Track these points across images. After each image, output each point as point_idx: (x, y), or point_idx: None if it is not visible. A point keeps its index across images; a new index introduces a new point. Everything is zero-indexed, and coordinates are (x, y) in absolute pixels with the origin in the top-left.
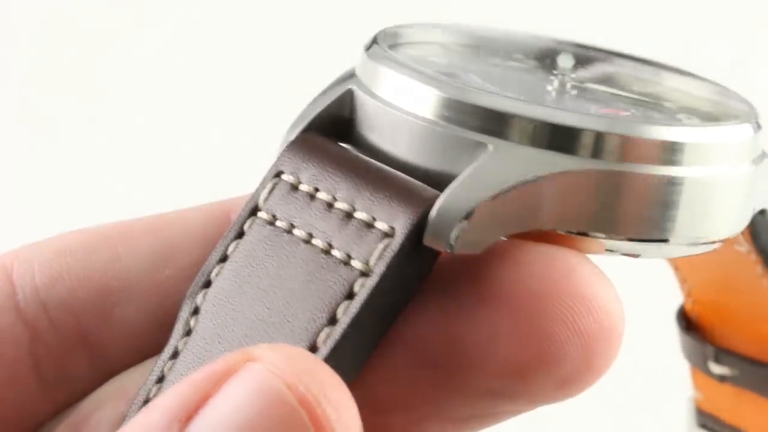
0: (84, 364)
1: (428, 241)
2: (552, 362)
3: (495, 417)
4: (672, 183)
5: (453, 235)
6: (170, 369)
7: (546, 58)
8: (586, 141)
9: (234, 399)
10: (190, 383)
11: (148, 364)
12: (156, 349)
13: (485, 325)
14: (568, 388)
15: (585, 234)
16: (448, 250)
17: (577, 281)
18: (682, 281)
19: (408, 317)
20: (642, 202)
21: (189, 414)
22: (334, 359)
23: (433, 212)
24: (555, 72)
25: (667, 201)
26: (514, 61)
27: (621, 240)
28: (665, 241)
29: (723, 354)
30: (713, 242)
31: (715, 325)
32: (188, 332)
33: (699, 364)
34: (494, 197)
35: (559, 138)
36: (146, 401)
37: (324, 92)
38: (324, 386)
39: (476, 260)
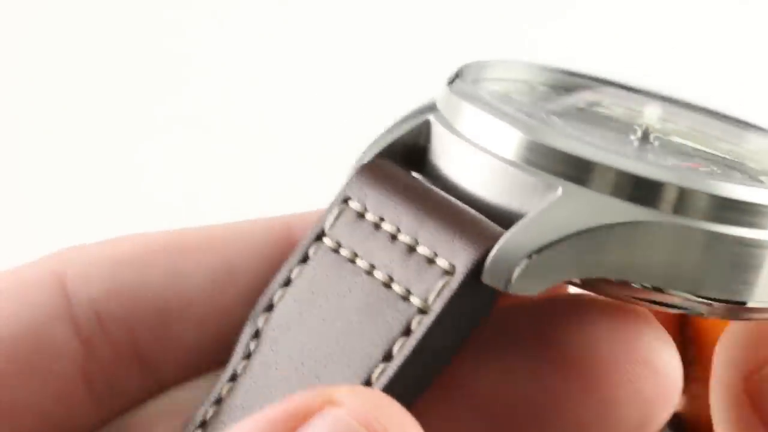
0: (136, 379)
1: (486, 278)
2: (612, 422)
3: None
4: (753, 246)
5: (512, 275)
6: (228, 391)
7: (633, 108)
8: (662, 194)
9: None
10: (267, 422)
11: (201, 381)
12: (209, 367)
13: (553, 388)
14: None
15: (660, 290)
16: (505, 290)
17: (644, 347)
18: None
19: (473, 369)
20: (719, 263)
21: None
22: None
23: (494, 250)
24: (640, 123)
25: (747, 264)
26: (599, 107)
27: (694, 299)
28: (742, 303)
29: None
30: None
31: None
32: (248, 355)
33: None
34: (558, 241)
35: (634, 188)
36: (203, 423)
37: (401, 121)
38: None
39: (542, 313)
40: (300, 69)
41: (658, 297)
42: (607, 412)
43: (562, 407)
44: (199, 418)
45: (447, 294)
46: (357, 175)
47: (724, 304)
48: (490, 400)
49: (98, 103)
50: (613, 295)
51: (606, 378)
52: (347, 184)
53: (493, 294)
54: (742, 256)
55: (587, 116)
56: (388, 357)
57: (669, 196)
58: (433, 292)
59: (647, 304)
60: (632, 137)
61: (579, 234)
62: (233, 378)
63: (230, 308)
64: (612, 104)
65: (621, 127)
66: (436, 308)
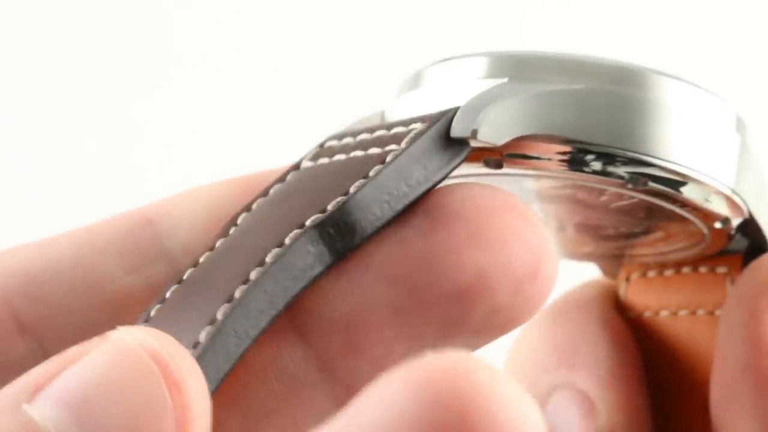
0: (20, 349)
1: (455, 131)
2: (504, 267)
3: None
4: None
5: (476, 124)
6: (157, 311)
7: None
8: (591, 70)
9: (87, 364)
10: (41, 365)
11: None
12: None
13: (442, 239)
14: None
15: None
16: (473, 138)
17: (519, 205)
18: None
19: (376, 243)
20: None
21: (37, 386)
22: (364, 197)
23: (461, 108)
24: None
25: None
26: None
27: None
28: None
29: None
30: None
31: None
32: (211, 249)
33: None
34: (510, 100)
35: (572, 69)
36: (147, 319)
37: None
38: (174, 346)
39: (424, 202)
40: (295, 65)
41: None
42: (496, 257)
43: (454, 256)
44: (144, 315)
45: (418, 134)
46: (330, 135)
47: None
48: (388, 264)
49: (94, 101)
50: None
51: (489, 225)
52: (324, 139)
53: (461, 148)
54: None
55: None
56: (366, 176)
57: (605, 73)
58: (408, 137)
59: (594, 176)
60: None
61: (527, 96)
62: (195, 264)
63: (96, 267)
64: None
65: None
66: (409, 142)
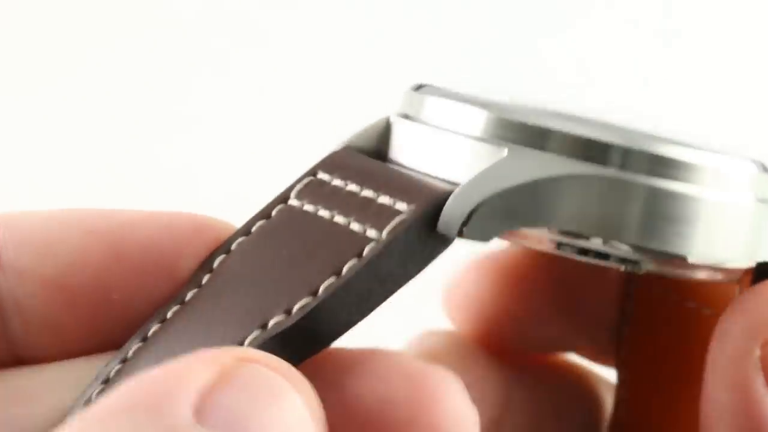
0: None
1: (441, 227)
2: None
3: None
4: (687, 199)
5: (463, 222)
6: (174, 314)
7: None
8: (606, 152)
9: (242, 391)
10: (162, 376)
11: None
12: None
13: None
14: None
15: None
16: (458, 236)
17: (443, 415)
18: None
19: None
20: (656, 215)
21: (196, 407)
22: (332, 305)
23: (450, 199)
24: None
25: (682, 216)
26: None
27: (637, 251)
28: (682, 258)
29: None
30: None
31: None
32: (198, 285)
33: None
34: (505, 191)
35: (578, 146)
36: (145, 338)
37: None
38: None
39: (354, 365)
40: (310, 65)
41: (603, 248)
42: None
43: None
44: (142, 334)
45: (401, 227)
46: (325, 158)
47: (665, 257)
48: None
49: (114, 103)
50: (559, 249)
51: None
52: (317, 163)
53: (443, 241)
54: (677, 208)
55: None
56: (338, 273)
57: (612, 154)
58: (389, 227)
59: (594, 259)
60: None
61: (526, 185)
62: (182, 302)
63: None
64: None
65: None
66: (388, 238)
